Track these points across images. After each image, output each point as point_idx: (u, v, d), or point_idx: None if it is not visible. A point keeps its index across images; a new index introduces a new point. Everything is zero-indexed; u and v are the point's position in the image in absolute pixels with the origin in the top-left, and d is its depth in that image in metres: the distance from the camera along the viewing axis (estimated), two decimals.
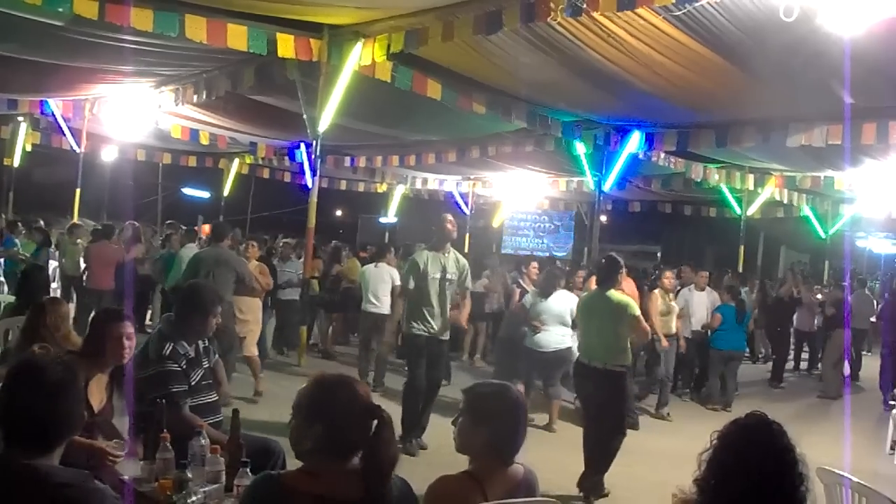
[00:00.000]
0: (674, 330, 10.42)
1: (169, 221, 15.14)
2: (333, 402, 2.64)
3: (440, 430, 7.04)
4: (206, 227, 19.27)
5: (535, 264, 9.96)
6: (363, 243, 18.65)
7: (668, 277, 10.86)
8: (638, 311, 6.76)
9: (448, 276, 7.61)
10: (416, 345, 7.64)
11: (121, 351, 4.08)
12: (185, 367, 4.47)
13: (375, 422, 2.61)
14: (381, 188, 22.64)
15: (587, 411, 7.05)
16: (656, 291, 10.55)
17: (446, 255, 7.68)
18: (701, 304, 11.22)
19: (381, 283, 10.78)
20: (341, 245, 15.15)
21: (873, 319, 14.95)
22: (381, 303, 10.74)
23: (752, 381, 13.07)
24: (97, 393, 4.00)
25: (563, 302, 9.02)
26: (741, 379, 11.57)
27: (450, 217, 7.87)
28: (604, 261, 7.08)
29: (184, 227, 13.63)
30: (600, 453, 6.61)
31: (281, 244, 15.56)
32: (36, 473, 2.26)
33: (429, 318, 7.54)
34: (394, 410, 8.73)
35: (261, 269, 9.88)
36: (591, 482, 6.57)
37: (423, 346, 7.57)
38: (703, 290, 11.44)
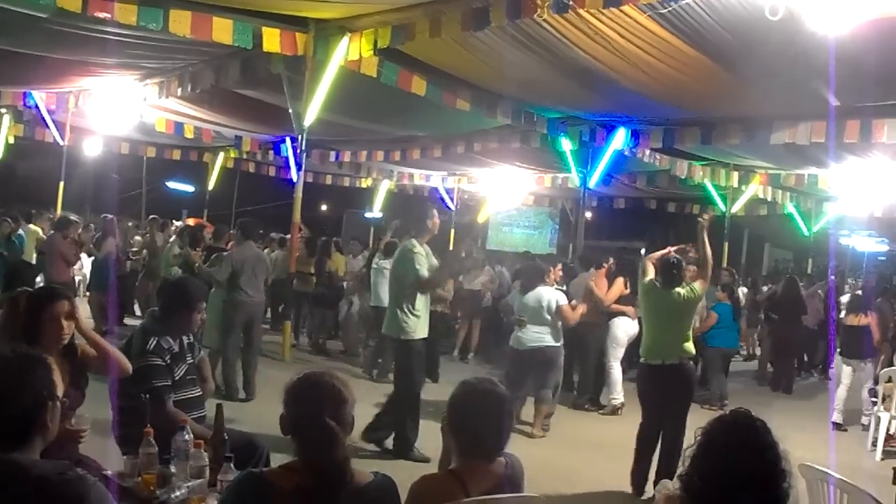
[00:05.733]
0: None
1: (152, 217, 15.01)
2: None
3: (427, 429, 7.05)
4: (191, 221, 19.20)
5: (559, 266, 9.73)
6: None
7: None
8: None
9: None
10: (417, 348, 7.16)
11: (59, 332, 4.00)
12: (168, 361, 4.45)
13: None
14: (367, 183, 22.63)
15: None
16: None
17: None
18: None
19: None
20: (313, 238, 14.89)
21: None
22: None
23: (739, 378, 13.12)
24: None
25: (541, 298, 8.47)
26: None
27: (436, 212, 7.47)
28: (673, 261, 6.68)
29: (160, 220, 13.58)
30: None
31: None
32: (16, 466, 2.24)
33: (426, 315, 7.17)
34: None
35: None
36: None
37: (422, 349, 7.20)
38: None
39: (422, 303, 7.13)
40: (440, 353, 11.36)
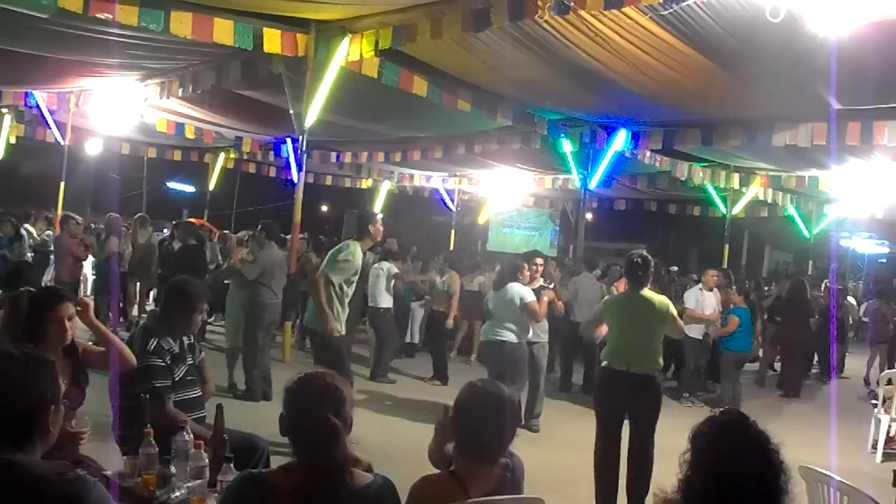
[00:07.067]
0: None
1: (138, 215, 14.85)
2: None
3: (427, 431, 7.05)
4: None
5: (539, 261, 9.54)
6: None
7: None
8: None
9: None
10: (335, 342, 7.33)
11: (63, 333, 4.02)
12: (169, 362, 4.46)
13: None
14: (367, 184, 22.61)
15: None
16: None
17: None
18: (710, 305, 10.90)
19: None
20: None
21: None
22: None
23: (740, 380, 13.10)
24: None
25: (507, 294, 8.43)
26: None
27: (379, 219, 7.57)
28: (638, 260, 6.31)
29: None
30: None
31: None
32: (17, 467, 2.24)
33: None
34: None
35: None
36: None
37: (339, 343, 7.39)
38: (711, 290, 11.05)
39: (340, 298, 7.22)
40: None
